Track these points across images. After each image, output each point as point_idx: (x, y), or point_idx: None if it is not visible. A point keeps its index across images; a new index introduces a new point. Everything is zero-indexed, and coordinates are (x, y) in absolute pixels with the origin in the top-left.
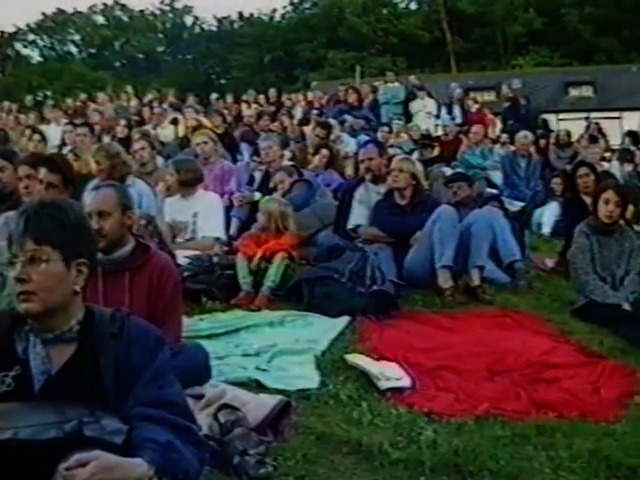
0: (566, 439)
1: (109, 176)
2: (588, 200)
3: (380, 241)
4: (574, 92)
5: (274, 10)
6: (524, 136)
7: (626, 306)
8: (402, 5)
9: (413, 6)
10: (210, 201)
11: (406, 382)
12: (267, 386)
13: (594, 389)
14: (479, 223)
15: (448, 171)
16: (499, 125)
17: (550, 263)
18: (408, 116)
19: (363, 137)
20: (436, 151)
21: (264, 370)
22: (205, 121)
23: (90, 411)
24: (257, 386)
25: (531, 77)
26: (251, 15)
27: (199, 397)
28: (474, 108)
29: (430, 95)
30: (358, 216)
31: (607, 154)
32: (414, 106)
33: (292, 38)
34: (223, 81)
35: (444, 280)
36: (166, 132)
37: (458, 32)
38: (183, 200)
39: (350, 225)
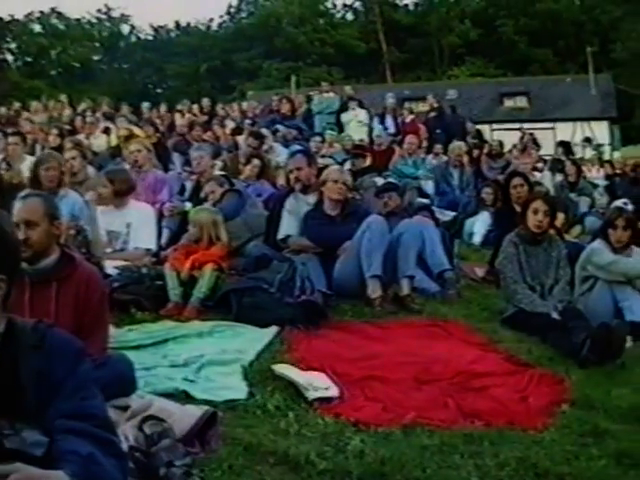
0: (493, 447)
1: (58, 184)
2: (519, 210)
3: (308, 251)
4: (509, 102)
5: (211, 19)
6: (458, 147)
7: (555, 315)
8: (339, 15)
9: (350, 16)
10: (144, 212)
11: (333, 392)
12: (194, 397)
13: (522, 397)
14: (408, 233)
15: (380, 181)
16: (425, 135)
17: (480, 272)
18: (341, 126)
19: (296, 147)
20: (368, 161)
21: (192, 381)
22: (137, 131)
23: (10, 423)
24: (184, 397)
25: (466, 87)
26: (188, 24)
27: (125, 408)
28: (409, 118)
29: (361, 105)
30: (288, 226)
31: (539, 164)
32: (345, 116)
33: (229, 48)
34: (159, 90)
35: (373, 290)
36: (99, 142)
37: (394, 42)
38: (116, 210)
39: (280, 235)
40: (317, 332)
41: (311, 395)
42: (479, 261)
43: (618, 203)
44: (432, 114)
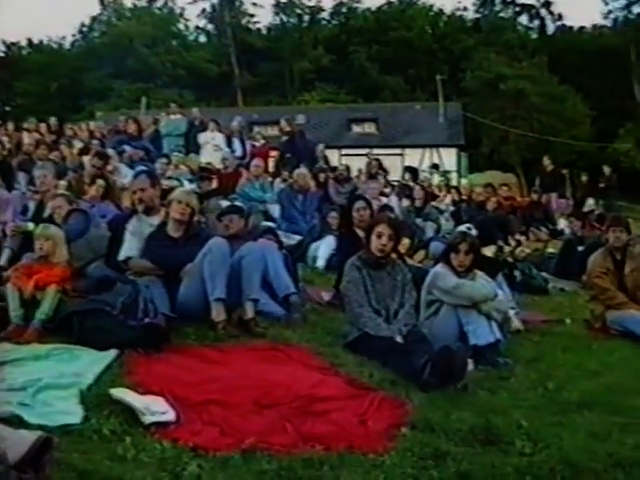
0: (333, 472)
1: None
2: (362, 234)
3: (151, 273)
4: (357, 128)
5: (63, 37)
6: (303, 176)
7: (398, 339)
8: (192, 38)
9: (203, 39)
10: None
11: (171, 416)
12: (29, 422)
13: (362, 421)
14: (251, 256)
15: (225, 204)
16: (275, 159)
17: (326, 296)
18: (197, 147)
19: (141, 168)
20: (214, 184)
21: (28, 405)
22: None
23: None
24: (18, 422)
25: (315, 113)
26: (41, 42)
27: None
28: (259, 142)
29: (220, 129)
30: (129, 248)
31: (387, 189)
32: (202, 138)
33: (79, 67)
34: (8, 108)
35: (217, 313)
36: None
37: (246, 66)
38: None
39: (121, 257)
40: (158, 355)
41: (147, 419)
42: (325, 285)
43: (462, 228)
44: (284, 138)
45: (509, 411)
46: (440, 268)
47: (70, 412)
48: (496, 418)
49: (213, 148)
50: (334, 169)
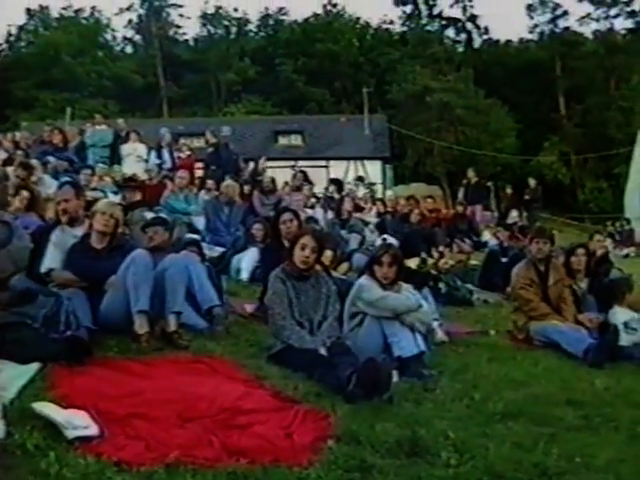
0: None
1: None
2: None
3: (74, 285)
4: (283, 140)
5: None
6: (232, 188)
7: (322, 351)
8: (118, 48)
9: (129, 49)
10: None
11: (94, 430)
12: None
13: (287, 434)
14: (174, 268)
15: (150, 215)
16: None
17: (250, 309)
18: (118, 159)
19: (66, 179)
20: (138, 195)
21: None
22: None
23: None
24: None
25: (241, 125)
26: None
27: None
28: (185, 154)
29: (141, 139)
30: (52, 259)
31: (312, 201)
32: (125, 149)
33: (5, 76)
34: None
35: (140, 325)
36: None
37: (172, 77)
38: None
39: (43, 269)
40: (81, 368)
41: (70, 434)
42: (249, 297)
43: (385, 238)
44: (210, 150)
45: (435, 422)
46: (364, 280)
47: None
48: (422, 429)
49: (135, 159)
50: (259, 181)
